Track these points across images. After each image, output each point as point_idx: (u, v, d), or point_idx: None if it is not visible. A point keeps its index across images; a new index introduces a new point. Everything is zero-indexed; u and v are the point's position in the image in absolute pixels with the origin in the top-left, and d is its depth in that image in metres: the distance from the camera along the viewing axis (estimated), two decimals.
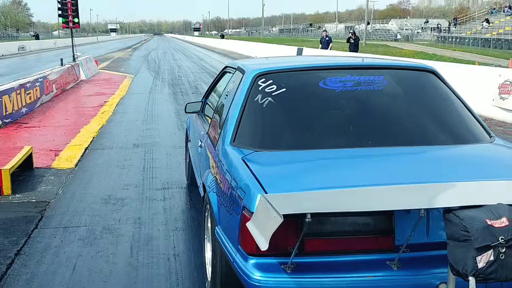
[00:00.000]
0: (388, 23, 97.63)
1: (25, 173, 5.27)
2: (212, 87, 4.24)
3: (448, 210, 1.73)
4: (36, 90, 9.84)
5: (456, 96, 2.92)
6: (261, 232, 1.69)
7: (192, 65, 23.60)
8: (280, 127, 2.72)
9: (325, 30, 22.89)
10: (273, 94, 2.72)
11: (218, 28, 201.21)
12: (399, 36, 67.57)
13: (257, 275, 1.92)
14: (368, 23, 62.30)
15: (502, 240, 1.58)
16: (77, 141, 7.06)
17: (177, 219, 4.03)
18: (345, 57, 5.03)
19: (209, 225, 2.71)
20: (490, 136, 2.73)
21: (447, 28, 55.63)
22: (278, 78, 2.86)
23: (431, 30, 65.65)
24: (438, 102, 2.93)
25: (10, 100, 8.23)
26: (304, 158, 2.48)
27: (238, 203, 2.09)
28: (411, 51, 32.84)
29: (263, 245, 1.65)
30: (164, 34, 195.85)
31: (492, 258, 1.59)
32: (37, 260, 3.20)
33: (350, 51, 18.96)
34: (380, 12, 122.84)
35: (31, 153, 5.36)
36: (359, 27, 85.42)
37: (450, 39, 45.50)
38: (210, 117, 3.56)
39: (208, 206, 2.73)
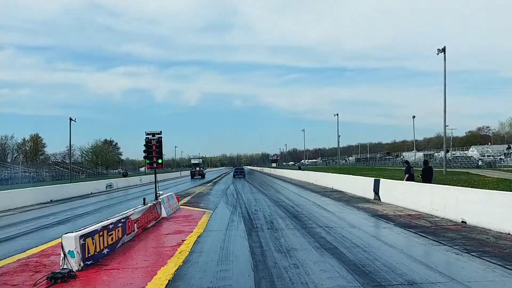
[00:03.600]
0: (468, 150, 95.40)
1: None
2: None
3: None
4: (118, 230, 10.26)
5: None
6: None
7: (269, 198, 23.91)
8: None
9: (406, 161, 22.80)
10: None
11: (295, 158, 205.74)
12: (480, 163, 65.47)
13: None
14: (448, 151, 61.19)
15: None
16: (153, 285, 7.12)
17: None
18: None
19: None
20: None
21: None
22: None
23: None
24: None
25: (93, 243, 8.60)
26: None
27: None
28: (494, 178, 31.45)
29: None
30: (243, 167, 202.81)
31: None
32: None
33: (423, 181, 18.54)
34: (460, 139, 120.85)
35: None
36: (439, 155, 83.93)
37: None
38: None
39: None
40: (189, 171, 74.30)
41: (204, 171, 69.11)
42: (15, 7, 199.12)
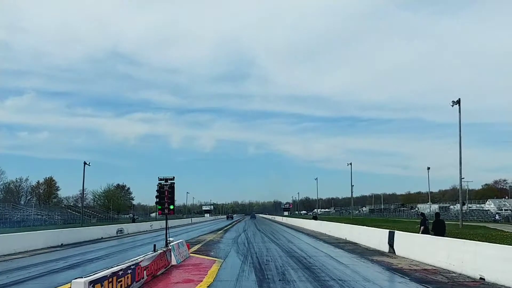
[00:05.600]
0: (485, 203, 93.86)
1: None
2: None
3: None
4: (127, 277, 10.08)
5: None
6: None
7: (280, 247, 23.54)
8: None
9: (421, 214, 22.52)
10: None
11: (307, 207, 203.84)
12: (498, 217, 64.18)
13: None
14: (464, 204, 60.25)
15: None
16: None
17: None
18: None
19: None
20: None
21: None
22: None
23: None
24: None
25: None
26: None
27: None
28: None
29: None
30: (255, 215, 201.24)
31: None
32: None
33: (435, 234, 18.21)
34: (476, 192, 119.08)
35: None
36: (454, 207, 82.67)
37: None
38: None
39: None
40: (226, 215, 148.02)
41: (233, 215, 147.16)
42: (39, 53, 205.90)
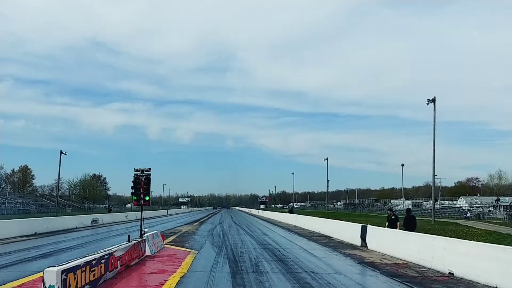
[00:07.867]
0: (457, 200, 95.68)
1: None
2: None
3: None
4: (101, 267, 10.08)
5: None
6: None
7: (255, 240, 23.71)
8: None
9: (390, 209, 22.71)
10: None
11: (284, 201, 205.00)
12: (469, 214, 65.57)
13: None
14: (436, 200, 61.32)
15: None
16: None
17: None
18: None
19: None
20: None
21: None
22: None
23: (504, 209, 63.39)
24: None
25: (75, 278, 8.43)
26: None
27: None
28: (483, 230, 31.49)
29: None
30: (231, 207, 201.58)
31: None
32: None
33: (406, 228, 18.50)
34: (449, 189, 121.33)
35: None
36: (427, 204, 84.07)
37: None
38: None
39: None
40: (212, 207, 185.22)
41: (217, 207, 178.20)
42: (19, 40, 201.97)
